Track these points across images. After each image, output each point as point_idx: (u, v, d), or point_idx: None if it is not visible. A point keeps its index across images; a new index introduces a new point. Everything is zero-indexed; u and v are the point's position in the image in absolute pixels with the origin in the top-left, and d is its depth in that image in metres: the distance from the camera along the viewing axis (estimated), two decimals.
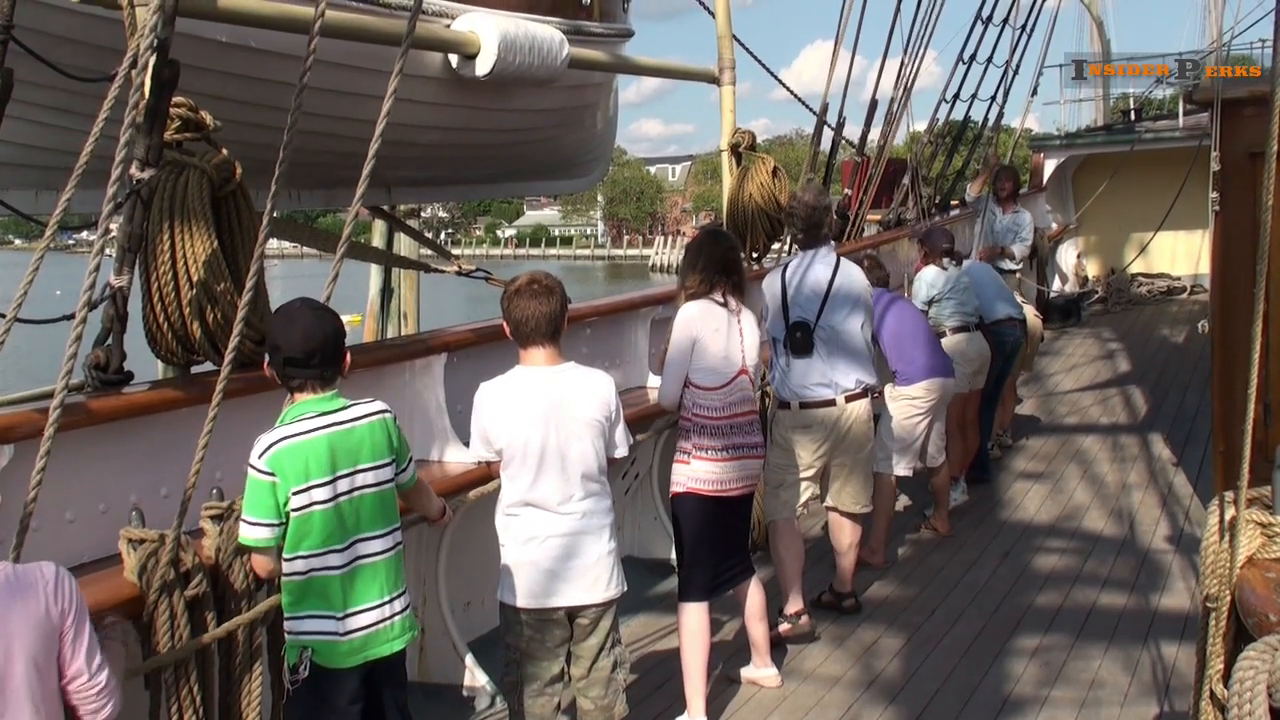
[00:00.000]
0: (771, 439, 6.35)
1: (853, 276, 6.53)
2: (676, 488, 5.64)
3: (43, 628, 2.92)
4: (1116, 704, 5.60)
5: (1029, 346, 10.81)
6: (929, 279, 8.83)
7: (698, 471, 5.55)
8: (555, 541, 4.55)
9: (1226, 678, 2.96)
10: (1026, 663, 6.07)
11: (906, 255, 11.86)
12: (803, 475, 6.40)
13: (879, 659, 6.19)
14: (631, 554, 7.62)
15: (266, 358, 3.97)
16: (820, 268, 6.41)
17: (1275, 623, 2.94)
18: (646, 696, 5.72)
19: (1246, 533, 3.28)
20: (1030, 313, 10.89)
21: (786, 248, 9.76)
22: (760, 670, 5.90)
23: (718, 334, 5.53)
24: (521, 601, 4.57)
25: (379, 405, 4.04)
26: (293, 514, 3.79)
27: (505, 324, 4.64)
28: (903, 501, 8.72)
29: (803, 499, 6.43)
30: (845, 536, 6.75)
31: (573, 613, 4.62)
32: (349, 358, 4.00)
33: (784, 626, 6.27)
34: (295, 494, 3.77)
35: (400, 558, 4.03)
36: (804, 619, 6.37)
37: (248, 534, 3.85)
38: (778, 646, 6.12)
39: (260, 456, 3.78)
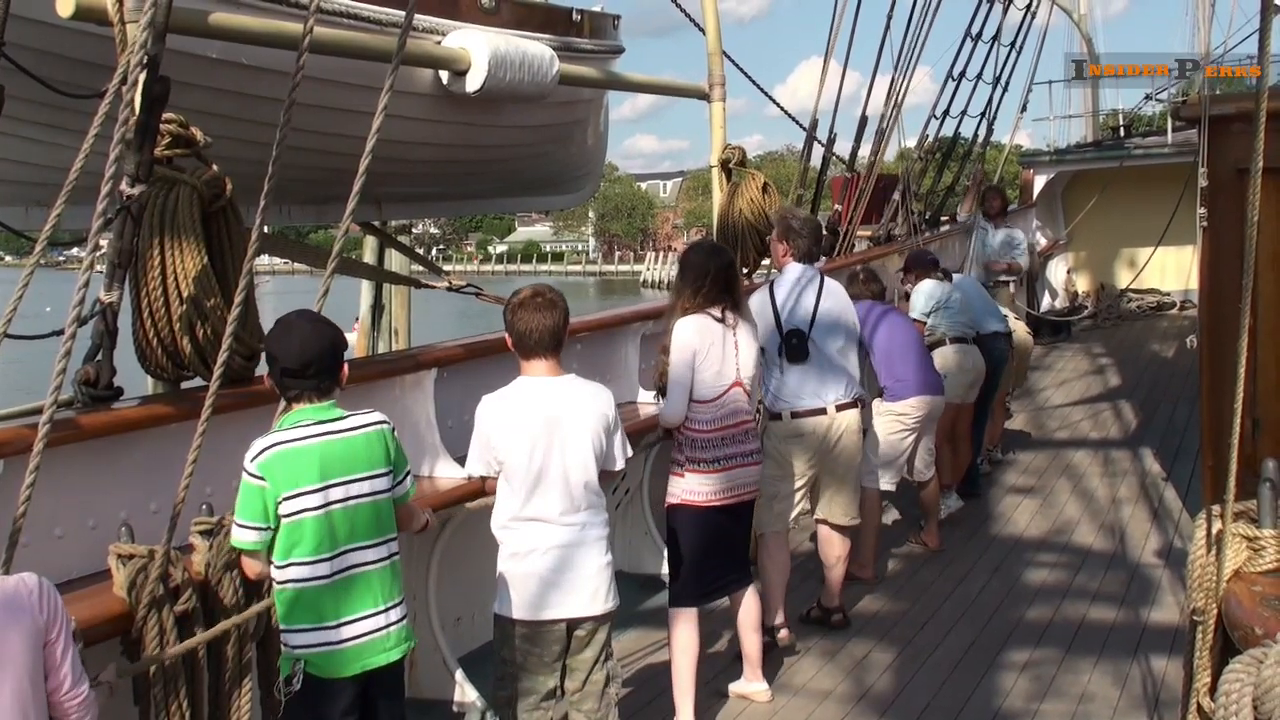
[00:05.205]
0: (764, 451, 6.30)
1: (837, 294, 6.61)
2: (671, 499, 5.68)
3: (33, 639, 2.93)
4: (1106, 717, 5.61)
5: (1020, 362, 10.85)
6: (928, 290, 8.89)
7: (690, 484, 5.59)
8: (555, 553, 4.55)
9: (1214, 690, 2.97)
10: (1017, 676, 6.08)
11: (895, 273, 11.87)
12: (796, 487, 6.41)
13: (869, 673, 6.20)
14: (622, 569, 7.61)
15: (265, 368, 3.99)
16: (808, 284, 6.46)
17: (1261, 636, 2.95)
18: (639, 710, 5.72)
19: (1233, 546, 3.30)
20: (1021, 328, 10.94)
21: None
22: (751, 685, 5.90)
23: (712, 350, 5.56)
24: (520, 614, 4.56)
25: (377, 416, 4.05)
26: (284, 520, 3.79)
27: (508, 335, 4.66)
28: (892, 516, 8.73)
29: (794, 513, 6.45)
30: (834, 550, 6.75)
31: (572, 625, 4.62)
32: (346, 369, 4.01)
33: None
34: (285, 500, 3.78)
35: (396, 568, 4.04)
36: (783, 633, 6.39)
37: (236, 535, 3.90)
38: (768, 660, 6.12)
39: (253, 460, 3.80)
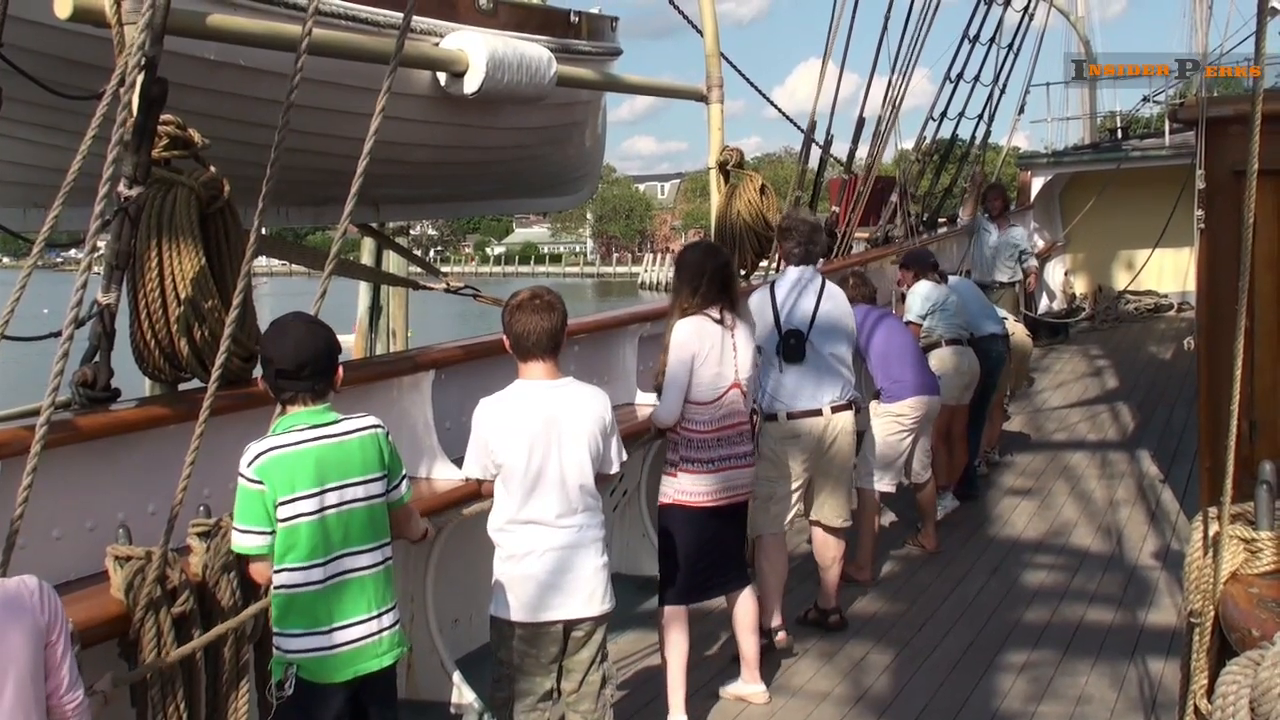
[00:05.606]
0: (759, 453, 6.32)
1: (837, 297, 6.63)
2: (663, 499, 5.70)
3: (35, 640, 2.93)
4: (1103, 719, 5.61)
5: (1020, 364, 10.86)
6: (924, 292, 8.91)
7: (683, 484, 5.61)
8: (552, 555, 4.55)
9: (1211, 692, 2.97)
10: (1014, 678, 6.08)
11: (892, 275, 11.90)
12: (792, 488, 6.42)
13: (867, 675, 6.20)
14: (619, 571, 7.60)
15: (259, 370, 3.98)
16: (808, 285, 6.48)
17: (1258, 638, 2.95)
18: (635, 712, 5.72)
19: (1230, 548, 3.30)
20: (1020, 330, 10.94)
21: (775, 264, 9.80)
22: (748, 686, 5.90)
23: (711, 352, 5.57)
24: (517, 616, 4.56)
25: (371, 420, 4.04)
26: (279, 525, 3.79)
27: (505, 338, 4.66)
28: (889, 518, 8.72)
29: (790, 514, 6.45)
30: (829, 551, 6.76)
31: (569, 626, 4.63)
32: (341, 372, 4.01)
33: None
34: (281, 504, 3.77)
35: (390, 573, 4.02)
36: (781, 635, 6.39)
37: (239, 541, 3.87)
38: (766, 662, 6.12)
39: (249, 465, 3.79)
